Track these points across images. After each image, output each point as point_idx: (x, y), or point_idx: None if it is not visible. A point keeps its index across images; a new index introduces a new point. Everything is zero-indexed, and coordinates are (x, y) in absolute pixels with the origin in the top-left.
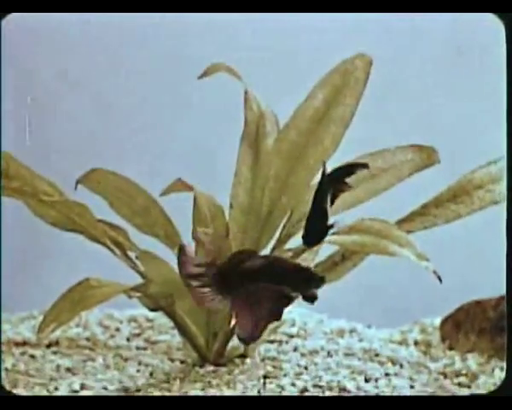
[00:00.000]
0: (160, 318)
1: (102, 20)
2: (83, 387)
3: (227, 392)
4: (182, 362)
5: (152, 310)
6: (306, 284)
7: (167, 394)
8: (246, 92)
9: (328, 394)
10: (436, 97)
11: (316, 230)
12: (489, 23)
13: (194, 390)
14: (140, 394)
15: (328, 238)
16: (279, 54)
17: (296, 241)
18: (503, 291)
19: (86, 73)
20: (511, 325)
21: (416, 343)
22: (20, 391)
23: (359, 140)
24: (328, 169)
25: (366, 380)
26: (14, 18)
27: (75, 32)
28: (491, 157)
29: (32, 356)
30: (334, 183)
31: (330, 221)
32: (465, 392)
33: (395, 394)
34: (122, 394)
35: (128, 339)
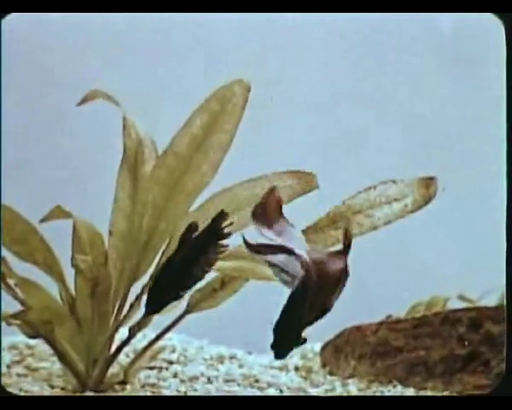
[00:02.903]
0: (41, 345)
1: (102, 20)
2: None
3: None
4: (62, 389)
5: (32, 337)
6: None
7: None
8: (124, 119)
9: None
10: (436, 97)
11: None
12: (489, 23)
13: None
14: None
15: None
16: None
17: None
18: (383, 316)
19: None
20: (511, 325)
21: (296, 369)
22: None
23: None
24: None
25: None
26: (14, 18)
27: (75, 32)
28: (491, 157)
29: None
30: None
31: None
32: None
33: None
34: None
35: (8, 366)
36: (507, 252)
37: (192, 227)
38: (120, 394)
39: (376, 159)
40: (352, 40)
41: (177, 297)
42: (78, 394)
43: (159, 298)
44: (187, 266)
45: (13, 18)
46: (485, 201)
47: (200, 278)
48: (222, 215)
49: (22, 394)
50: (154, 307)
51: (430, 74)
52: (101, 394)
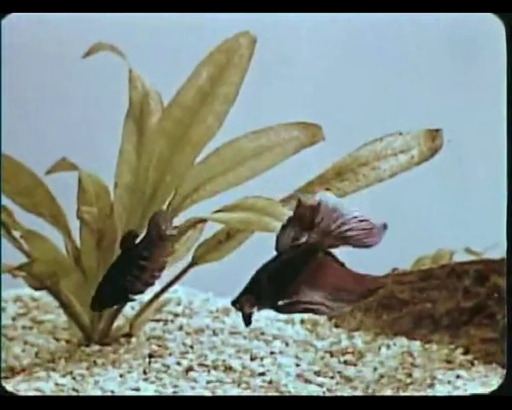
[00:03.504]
0: (46, 297)
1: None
2: None
3: (112, 371)
4: (67, 342)
5: (37, 289)
6: None
7: (52, 373)
8: (130, 71)
9: (213, 372)
10: (436, 97)
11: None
12: (489, 23)
13: (80, 369)
14: (25, 373)
15: (212, 216)
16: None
17: (181, 219)
18: (389, 269)
19: None
20: (511, 325)
21: (302, 322)
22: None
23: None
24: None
25: (252, 359)
26: (14, 18)
27: (75, 32)
28: (491, 157)
29: None
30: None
31: None
32: (351, 370)
33: (280, 372)
34: (7, 374)
35: (13, 319)
36: (507, 251)
37: (132, 234)
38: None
39: (383, 111)
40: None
41: (128, 300)
42: (83, 347)
43: (105, 300)
44: (132, 272)
45: (13, 18)
46: (488, 155)
47: (151, 283)
48: (160, 217)
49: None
50: (100, 307)
51: (430, 74)
52: (107, 346)
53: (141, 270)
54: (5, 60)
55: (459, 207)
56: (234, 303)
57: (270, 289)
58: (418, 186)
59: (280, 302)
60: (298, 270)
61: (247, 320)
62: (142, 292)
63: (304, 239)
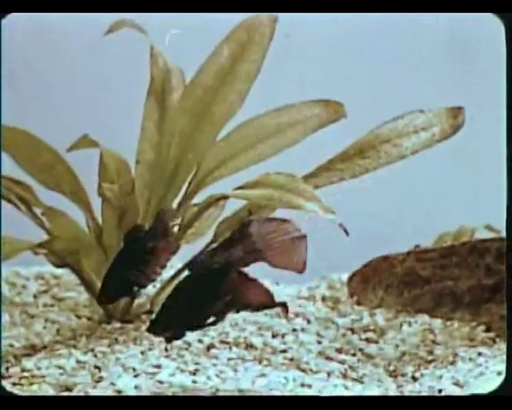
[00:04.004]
0: (67, 275)
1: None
2: None
3: (134, 349)
4: (88, 319)
5: (58, 267)
6: None
7: (73, 351)
8: (152, 48)
9: (234, 350)
10: (436, 97)
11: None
12: (489, 23)
13: (101, 347)
14: (47, 350)
15: (233, 193)
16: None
17: (202, 196)
18: (412, 245)
19: None
20: (511, 325)
21: (323, 299)
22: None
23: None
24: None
25: (273, 336)
26: (14, 18)
27: (75, 32)
28: (492, 157)
29: None
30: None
31: None
32: (373, 347)
33: (302, 349)
34: (26, 352)
35: (35, 296)
36: (507, 251)
37: (137, 228)
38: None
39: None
40: None
41: (132, 294)
42: (104, 324)
43: (111, 294)
44: (137, 266)
45: (13, 18)
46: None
47: (153, 279)
48: (167, 213)
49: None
50: (106, 301)
51: (430, 74)
52: (128, 324)
53: (145, 264)
54: (5, 60)
55: (481, 184)
56: (149, 331)
57: (185, 310)
58: (440, 163)
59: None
60: (213, 289)
61: (169, 341)
62: (145, 286)
63: (218, 258)
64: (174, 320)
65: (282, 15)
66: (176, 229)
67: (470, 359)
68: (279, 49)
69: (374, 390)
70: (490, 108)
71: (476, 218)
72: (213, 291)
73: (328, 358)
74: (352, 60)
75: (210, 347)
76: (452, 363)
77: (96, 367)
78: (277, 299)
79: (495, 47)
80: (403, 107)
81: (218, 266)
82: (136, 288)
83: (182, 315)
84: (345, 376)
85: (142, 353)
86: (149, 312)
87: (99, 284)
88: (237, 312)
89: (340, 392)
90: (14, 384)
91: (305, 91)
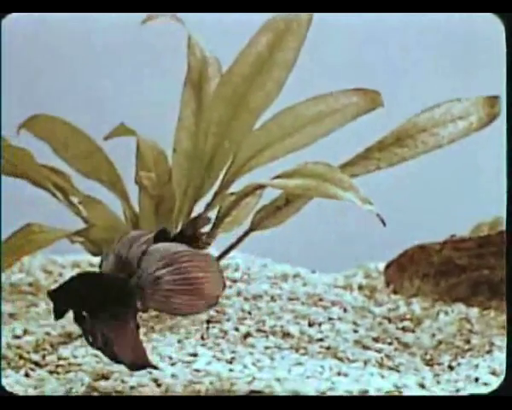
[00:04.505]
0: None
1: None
2: (25, 332)
3: (170, 337)
4: None
5: (95, 255)
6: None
7: None
8: (189, 37)
9: (271, 338)
10: (435, 97)
11: None
12: (489, 23)
13: None
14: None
15: (270, 182)
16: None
17: (238, 185)
18: (448, 235)
19: None
20: (511, 324)
21: (360, 288)
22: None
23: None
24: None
25: (310, 325)
26: (14, 18)
27: (75, 32)
28: (492, 157)
29: None
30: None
31: None
32: (409, 336)
33: (338, 338)
34: (63, 339)
35: None
36: (507, 250)
37: (164, 232)
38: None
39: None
40: None
41: None
42: (140, 312)
43: None
44: None
45: (13, 18)
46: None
47: None
48: (201, 220)
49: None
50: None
51: (430, 74)
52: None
53: None
54: (5, 60)
55: None
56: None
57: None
58: (476, 153)
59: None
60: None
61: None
62: None
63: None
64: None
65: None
66: (204, 237)
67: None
68: (317, 37)
69: (410, 379)
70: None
71: None
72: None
73: (365, 347)
74: (390, 49)
75: (246, 335)
76: (489, 352)
77: None
78: (314, 288)
79: (495, 47)
80: (402, 106)
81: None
82: None
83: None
84: (381, 365)
85: (179, 341)
86: None
87: None
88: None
89: (377, 381)
90: (50, 373)
91: (343, 80)
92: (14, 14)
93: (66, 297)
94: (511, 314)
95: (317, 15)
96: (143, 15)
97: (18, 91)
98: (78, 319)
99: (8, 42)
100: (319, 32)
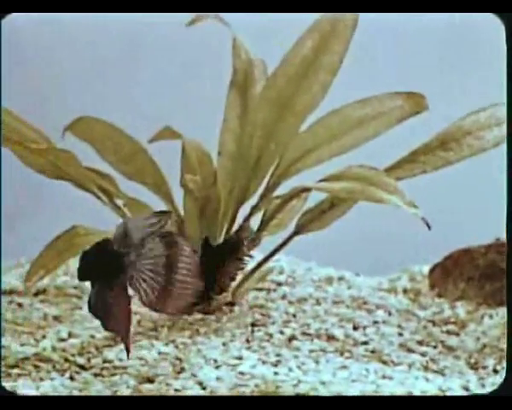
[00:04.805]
0: None
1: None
2: (70, 335)
3: (215, 340)
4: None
5: None
6: None
7: (155, 342)
8: (234, 40)
9: (316, 341)
10: (435, 97)
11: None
12: (489, 23)
13: (182, 338)
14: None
15: (316, 185)
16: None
17: (284, 188)
18: (492, 239)
19: None
20: (511, 324)
21: (404, 291)
22: (6, 340)
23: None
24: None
25: (354, 328)
26: (14, 18)
27: (75, 32)
28: (491, 159)
29: (20, 305)
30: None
31: None
32: (454, 340)
33: (383, 341)
34: (108, 342)
35: None
36: (507, 251)
37: (206, 240)
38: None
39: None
40: None
41: (204, 301)
42: (185, 316)
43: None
44: (208, 277)
45: (13, 18)
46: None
47: (223, 290)
48: (246, 231)
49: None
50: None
51: (430, 74)
52: (209, 315)
53: (213, 276)
54: (5, 60)
55: None
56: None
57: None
58: None
59: None
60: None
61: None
62: (212, 298)
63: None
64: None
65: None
66: (246, 249)
67: None
68: (362, 40)
69: (455, 382)
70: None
71: None
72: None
73: (410, 350)
74: (434, 53)
75: (291, 338)
76: None
77: (178, 359)
78: (359, 291)
79: (495, 47)
80: None
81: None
82: (211, 294)
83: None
84: (426, 368)
85: (224, 344)
86: (231, 303)
87: None
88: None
89: (422, 384)
90: (95, 375)
91: (388, 83)
92: (14, 14)
93: (86, 262)
94: (511, 316)
95: (362, 15)
96: (187, 16)
97: (18, 91)
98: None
99: (8, 42)
100: (364, 33)
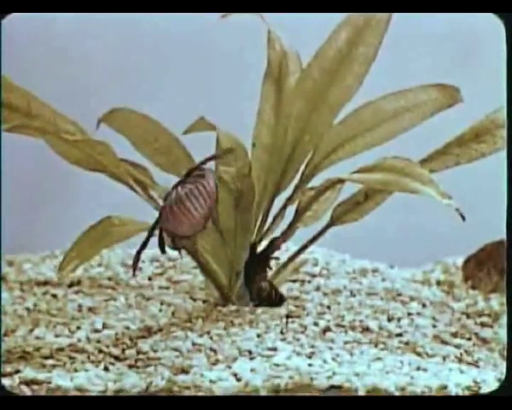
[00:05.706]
0: (183, 257)
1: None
2: (104, 326)
3: (249, 331)
4: (204, 302)
5: (174, 249)
6: None
7: (189, 333)
8: (269, 32)
9: (350, 333)
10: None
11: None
12: (489, 23)
13: (217, 329)
14: (162, 333)
15: (350, 176)
16: None
17: (319, 179)
18: None
19: None
20: (511, 324)
21: (438, 283)
22: (41, 331)
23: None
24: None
25: (389, 320)
26: (14, 18)
27: (75, 32)
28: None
29: (54, 296)
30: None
31: None
32: (488, 332)
33: (417, 333)
34: (142, 334)
35: (150, 278)
36: (507, 251)
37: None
38: None
39: None
40: None
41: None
42: (220, 307)
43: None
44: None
45: (13, 18)
46: None
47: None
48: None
49: (101, 388)
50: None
51: (430, 74)
52: (244, 307)
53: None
54: (5, 60)
55: None
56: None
57: None
58: None
59: None
60: None
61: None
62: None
63: None
64: None
65: None
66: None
67: None
68: (396, 32)
69: (489, 375)
70: (490, 107)
71: None
72: None
73: (444, 342)
74: (434, 53)
75: (326, 330)
76: None
77: (212, 350)
78: (393, 283)
79: (495, 47)
80: None
81: None
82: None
83: None
84: (460, 360)
85: (258, 336)
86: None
87: (215, 267)
88: None
89: (456, 376)
90: (130, 367)
91: (422, 76)
92: (14, 14)
93: None
94: (511, 313)
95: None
96: (144, 15)
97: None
98: None
99: (8, 42)
100: (398, 27)
